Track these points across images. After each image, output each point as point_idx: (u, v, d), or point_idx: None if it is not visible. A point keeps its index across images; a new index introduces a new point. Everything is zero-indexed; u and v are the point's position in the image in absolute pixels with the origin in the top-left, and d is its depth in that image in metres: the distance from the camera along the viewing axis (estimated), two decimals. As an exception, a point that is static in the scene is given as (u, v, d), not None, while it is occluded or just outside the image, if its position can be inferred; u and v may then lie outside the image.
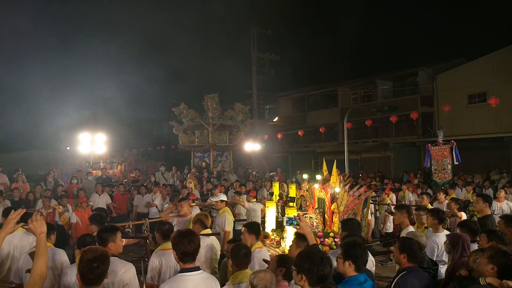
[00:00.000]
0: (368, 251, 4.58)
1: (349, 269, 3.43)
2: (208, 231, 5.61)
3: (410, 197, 12.27)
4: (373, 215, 10.44)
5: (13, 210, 3.59)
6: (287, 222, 4.77)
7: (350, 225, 4.49)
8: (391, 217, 10.17)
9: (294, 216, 4.72)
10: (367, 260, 3.57)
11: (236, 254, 4.02)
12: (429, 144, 12.52)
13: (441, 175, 11.90)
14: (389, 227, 10.39)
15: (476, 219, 7.19)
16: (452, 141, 11.71)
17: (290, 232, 5.75)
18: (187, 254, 3.53)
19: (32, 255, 4.26)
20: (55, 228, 5.08)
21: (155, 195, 11.92)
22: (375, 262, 4.81)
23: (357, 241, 3.54)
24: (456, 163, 11.54)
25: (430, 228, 5.67)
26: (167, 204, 9.71)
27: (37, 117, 26.88)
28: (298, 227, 4.33)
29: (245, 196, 10.10)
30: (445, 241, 4.81)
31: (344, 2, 53.01)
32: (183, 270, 3.55)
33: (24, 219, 3.52)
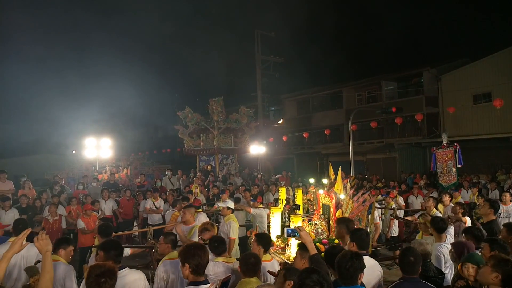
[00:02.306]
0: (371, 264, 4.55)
1: None
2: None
3: (402, 201, 12.04)
4: (380, 219, 10.42)
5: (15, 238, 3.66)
6: (288, 234, 4.76)
7: (359, 235, 4.43)
8: (396, 221, 10.17)
9: (295, 227, 4.71)
10: None
11: (245, 262, 4.09)
12: (434, 148, 12.49)
13: (446, 178, 11.84)
14: (394, 231, 10.36)
15: (480, 223, 7.19)
16: (456, 144, 11.67)
17: (294, 239, 5.74)
18: (202, 267, 3.59)
19: (27, 270, 4.34)
20: (69, 241, 4.92)
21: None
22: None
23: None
24: (458, 166, 11.51)
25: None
26: (170, 210, 9.71)
27: (44, 122, 27.13)
28: (300, 237, 4.35)
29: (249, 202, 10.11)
30: (450, 250, 4.81)
31: (347, 4, 52.93)
32: (192, 283, 3.59)
33: (30, 238, 3.58)
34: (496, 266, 3.39)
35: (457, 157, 11.43)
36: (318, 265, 3.68)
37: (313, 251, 4.11)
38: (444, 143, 11.95)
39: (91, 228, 8.89)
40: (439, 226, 5.51)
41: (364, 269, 4.14)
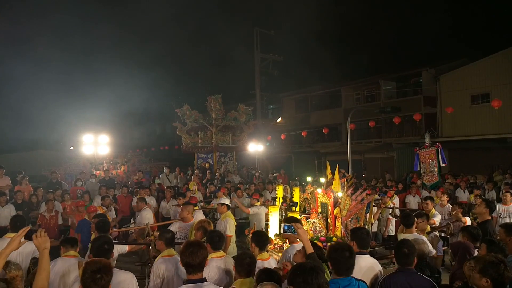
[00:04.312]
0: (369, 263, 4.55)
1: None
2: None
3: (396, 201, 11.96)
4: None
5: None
6: (285, 230, 4.70)
7: (359, 234, 4.41)
8: (393, 220, 10.16)
9: (292, 223, 4.66)
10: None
11: (240, 262, 4.03)
12: (417, 148, 12.55)
13: (429, 177, 11.90)
14: (391, 230, 10.35)
15: (476, 223, 7.18)
16: (438, 143, 11.73)
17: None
18: (190, 266, 3.54)
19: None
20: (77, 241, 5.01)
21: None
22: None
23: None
24: (442, 165, 11.55)
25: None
26: (172, 206, 9.68)
27: (42, 119, 27.07)
28: (296, 235, 4.30)
29: (247, 199, 10.07)
30: (448, 250, 4.82)
31: (347, 3, 52.93)
32: (188, 281, 3.57)
33: (28, 235, 3.57)
34: (483, 271, 3.28)
35: (439, 156, 11.47)
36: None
37: (309, 249, 4.06)
38: (427, 143, 12.02)
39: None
40: (407, 222, 5.83)
41: (364, 268, 4.14)
